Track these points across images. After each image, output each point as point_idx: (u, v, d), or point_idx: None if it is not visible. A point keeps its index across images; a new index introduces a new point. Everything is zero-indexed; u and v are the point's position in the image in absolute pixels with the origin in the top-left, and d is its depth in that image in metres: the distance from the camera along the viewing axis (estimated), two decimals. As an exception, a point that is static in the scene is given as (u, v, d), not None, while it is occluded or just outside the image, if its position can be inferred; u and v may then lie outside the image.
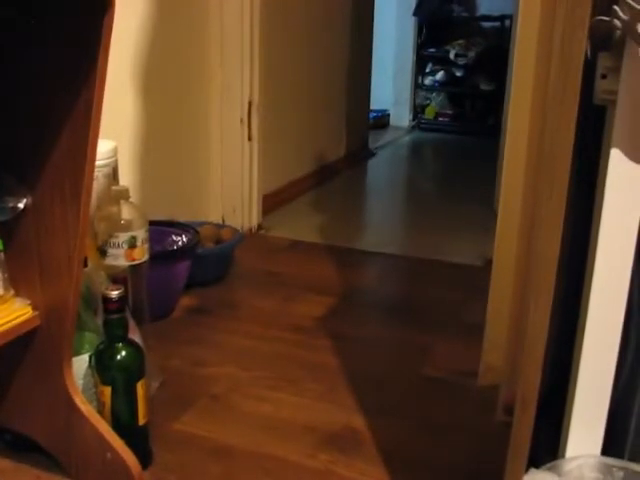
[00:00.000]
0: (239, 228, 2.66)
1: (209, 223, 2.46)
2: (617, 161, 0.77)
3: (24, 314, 1.24)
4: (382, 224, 3.19)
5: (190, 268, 2.08)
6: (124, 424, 1.33)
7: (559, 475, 0.86)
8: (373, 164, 4.33)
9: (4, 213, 1.17)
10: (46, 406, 1.32)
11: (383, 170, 4.21)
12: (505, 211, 1.62)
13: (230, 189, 2.83)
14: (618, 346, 0.86)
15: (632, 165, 0.76)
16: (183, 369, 1.75)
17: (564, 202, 0.85)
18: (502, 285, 1.65)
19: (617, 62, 0.74)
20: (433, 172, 4.64)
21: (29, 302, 1.26)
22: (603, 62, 0.76)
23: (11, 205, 1.18)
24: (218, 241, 2.36)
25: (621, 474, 0.86)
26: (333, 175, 3.82)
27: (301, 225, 3.00)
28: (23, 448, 1.39)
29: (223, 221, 2.80)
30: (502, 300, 1.64)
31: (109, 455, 1.29)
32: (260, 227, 2.91)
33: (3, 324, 1.20)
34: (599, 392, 0.88)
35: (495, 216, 1.67)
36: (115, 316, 1.31)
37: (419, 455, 1.45)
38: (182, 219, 2.27)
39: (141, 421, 1.35)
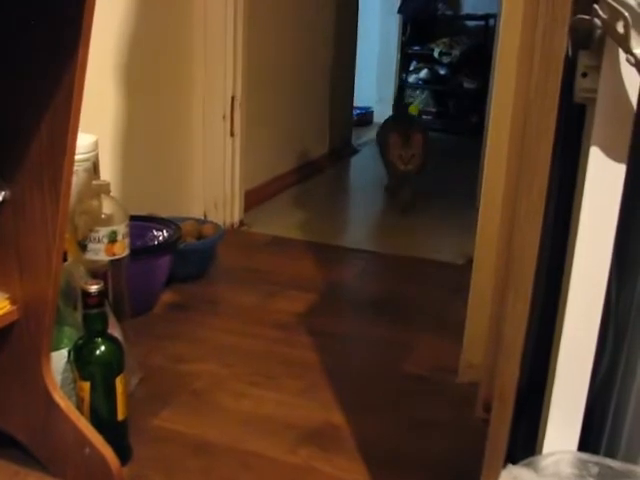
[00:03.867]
0: (221, 224, 2.65)
1: (190, 219, 2.45)
2: (596, 159, 0.77)
3: (2, 308, 1.23)
4: (364, 221, 3.19)
5: (171, 263, 2.07)
6: (103, 419, 1.33)
7: (536, 471, 0.87)
8: (356, 161, 4.33)
9: (-18, 206, 1.16)
10: (24, 401, 1.31)
11: (366, 167, 4.21)
12: (486, 210, 1.63)
13: (212, 185, 2.82)
14: (595, 343, 0.87)
15: (611, 163, 0.77)
16: (163, 365, 1.75)
17: (544, 198, 0.86)
18: (482, 283, 1.66)
19: (597, 61, 0.74)
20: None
21: (7, 296, 1.25)
22: (583, 60, 0.77)
23: (-10, 198, 1.17)
24: (200, 237, 2.35)
25: (597, 469, 0.87)
26: (316, 172, 3.81)
27: (283, 222, 3.00)
28: (1, 444, 1.38)
29: (205, 217, 2.79)
30: (482, 298, 1.65)
31: (88, 450, 1.28)
32: (242, 223, 2.90)
33: (-19, 318, 1.19)
34: (576, 389, 0.88)
35: (476, 215, 1.68)
36: (94, 311, 1.30)
37: (399, 452, 1.45)
38: (163, 214, 2.26)
39: (120, 417, 1.35)
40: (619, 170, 0.77)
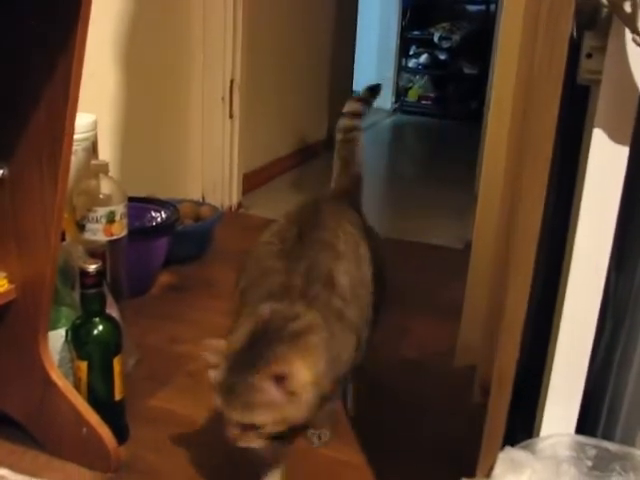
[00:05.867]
0: (219, 206, 2.65)
1: (189, 200, 2.45)
2: (599, 141, 0.77)
3: (0, 287, 1.23)
4: (363, 206, 3.18)
5: (169, 245, 2.07)
6: (100, 399, 1.33)
7: (533, 453, 0.87)
8: (354, 146, 4.31)
9: (-20, 183, 1.16)
10: (21, 381, 1.31)
11: (364, 152, 4.20)
12: (485, 195, 1.63)
13: (210, 167, 2.81)
14: (595, 327, 0.87)
15: (614, 145, 0.76)
16: (160, 346, 1.75)
17: (546, 182, 0.85)
18: (480, 268, 1.65)
19: (602, 41, 0.73)
20: (415, 155, 4.64)
21: (5, 275, 1.24)
22: (588, 41, 0.76)
23: (-13, 176, 1.17)
24: (197, 218, 2.35)
25: (594, 452, 0.87)
26: (314, 156, 3.80)
27: (281, 204, 2.96)
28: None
29: (203, 199, 2.79)
30: (480, 282, 1.65)
31: (85, 430, 1.29)
32: (240, 206, 2.90)
33: (-22, 296, 1.19)
34: (575, 372, 0.88)
35: (475, 200, 1.68)
36: (92, 290, 1.30)
37: (396, 435, 1.45)
38: (161, 196, 2.25)
39: (117, 396, 1.35)
40: (622, 153, 0.77)
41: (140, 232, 1.94)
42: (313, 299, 1.11)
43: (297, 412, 1.02)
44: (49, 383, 1.28)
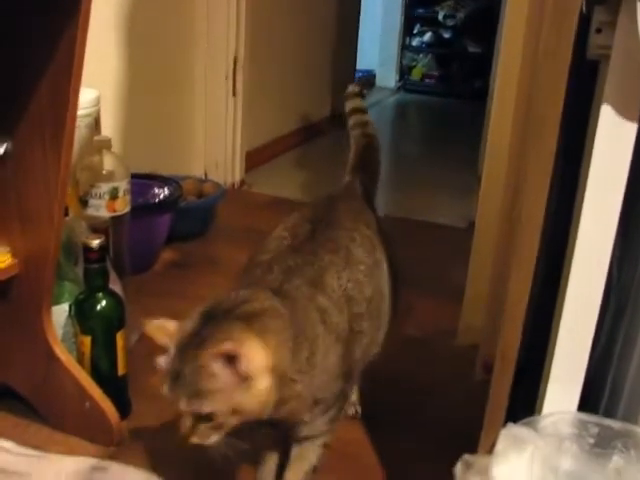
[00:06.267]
0: (222, 183, 2.64)
1: (191, 177, 2.44)
2: (607, 118, 0.76)
3: (3, 261, 1.23)
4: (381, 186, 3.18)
5: (171, 221, 2.07)
6: (103, 374, 1.33)
7: (535, 430, 0.87)
8: (358, 124, 4.30)
9: (-17, 158, 1.16)
10: (25, 355, 1.32)
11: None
12: (489, 174, 1.62)
13: (213, 144, 2.80)
14: (599, 306, 0.87)
15: (622, 121, 0.75)
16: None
17: (552, 160, 0.85)
18: (484, 247, 1.65)
19: (613, 16, 0.73)
20: (418, 134, 4.62)
21: (8, 249, 1.25)
22: (598, 16, 0.75)
23: (-10, 150, 1.16)
24: (200, 195, 2.34)
25: (596, 430, 0.87)
26: (317, 134, 3.79)
27: (284, 182, 2.99)
28: (1, 396, 1.38)
29: (205, 176, 2.78)
30: (483, 261, 1.65)
31: (88, 404, 1.29)
32: (243, 183, 2.89)
33: (-19, 271, 1.19)
34: (578, 350, 0.88)
35: (479, 179, 1.67)
36: (95, 266, 1.30)
37: (399, 413, 1.46)
38: (164, 173, 2.25)
39: (120, 371, 1.36)
40: (630, 130, 0.76)
41: (143, 208, 1.93)
42: (286, 292, 1.02)
43: (252, 401, 0.91)
44: (52, 357, 1.29)
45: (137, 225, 1.78)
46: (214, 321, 0.94)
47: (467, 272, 1.71)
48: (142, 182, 2.05)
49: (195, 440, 0.92)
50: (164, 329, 0.99)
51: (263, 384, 0.91)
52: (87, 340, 1.32)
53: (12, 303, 1.29)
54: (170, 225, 2.07)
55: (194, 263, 2.13)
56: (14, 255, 1.25)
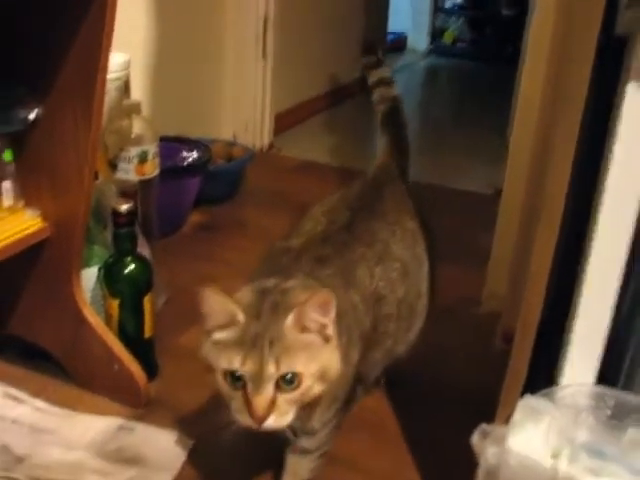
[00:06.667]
0: (250, 147, 2.65)
1: (220, 140, 2.45)
2: (634, 93, 0.76)
3: (34, 225, 1.26)
4: None
5: (200, 185, 2.08)
6: (131, 336, 1.36)
7: (553, 401, 0.88)
8: (388, 87, 4.26)
9: (15, 123, 1.17)
10: (55, 317, 1.35)
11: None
12: (517, 141, 1.61)
13: (242, 107, 2.80)
14: (620, 276, 0.87)
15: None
16: (190, 285, 1.76)
17: (577, 129, 0.85)
18: (510, 214, 1.64)
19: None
20: (448, 98, 4.57)
21: (39, 213, 1.27)
22: (628, -9, 0.75)
23: (22, 116, 1.18)
24: (229, 159, 2.35)
25: (613, 402, 0.88)
26: (347, 97, 3.76)
27: (313, 146, 2.99)
28: (32, 356, 1.42)
29: (234, 139, 2.79)
30: (509, 229, 1.63)
31: (116, 366, 1.33)
32: (271, 146, 2.90)
33: (13, 235, 1.21)
34: (598, 322, 0.88)
35: (507, 146, 1.65)
36: (124, 230, 1.32)
37: (419, 380, 1.47)
38: (193, 136, 2.26)
39: (147, 334, 1.38)
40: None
41: (172, 171, 1.95)
42: (318, 278, 0.99)
43: (335, 365, 0.89)
44: (82, 320, 1.32)
45: (166, 188, 1.79)
46: (279, 291, 0.91)
47: (492, 239, 1.70)
48: (171, 145, 2.07)
49: (270, 422, 0.86)
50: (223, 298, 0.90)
51: (337, 351, 0.90)
52: (115, 303, 1.35)
53: (43, 266, 1.32)
54: (199, 188, 2.08)
55: (222, 226, 2.15)
56: (45, 219, 1.27)
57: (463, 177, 2.71)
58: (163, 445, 1.26)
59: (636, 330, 0.92)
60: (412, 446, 1.32)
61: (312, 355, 0.87)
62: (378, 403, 1.41)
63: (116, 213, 1.30)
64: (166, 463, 1.23)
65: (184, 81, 2.51)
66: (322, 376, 0.88)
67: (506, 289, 1.58)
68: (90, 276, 1.39)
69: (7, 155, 1.20)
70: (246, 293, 0.92)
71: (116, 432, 1.28)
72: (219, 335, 0.89)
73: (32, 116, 1.19)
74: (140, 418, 1.32)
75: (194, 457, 1.25)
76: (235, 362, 0.85)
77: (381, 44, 4.41)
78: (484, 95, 4.25)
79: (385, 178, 1.33)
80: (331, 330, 0.89)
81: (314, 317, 0.87)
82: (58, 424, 1.29)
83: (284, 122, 3.07)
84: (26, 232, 1.23)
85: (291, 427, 0.99)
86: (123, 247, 1.33)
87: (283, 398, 0.86)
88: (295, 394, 0.86)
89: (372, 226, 1.14)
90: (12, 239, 1.20)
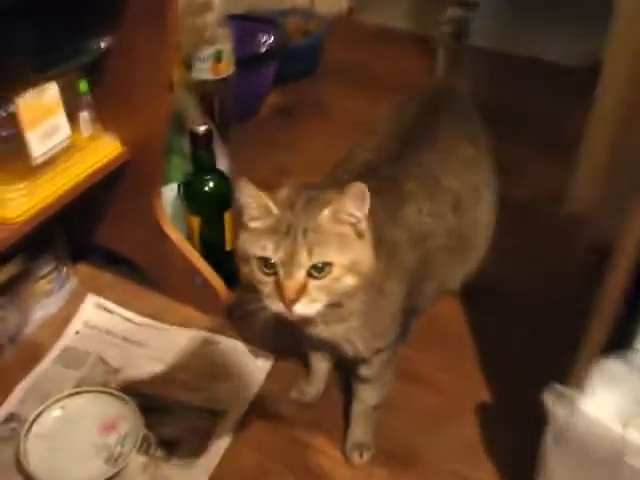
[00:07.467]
0: (328, 12, 2.51)
1: (295, 13, 2.34)
2: None
3: (114, 151, 1.26)
4: (481, 13, 2.89)
5: (277, 68, 2.02)
6: (212, 251, 1.40)
7: (629, 365, 0.87)
8: None
9: (87, 54, 1.16)
10: (139, 234, 1.39)
11: None
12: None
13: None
14: None
15: None
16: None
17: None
18: (609, 95, 1.46)
19: None
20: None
21: (118, 138, 1.27)
22: None
23: (94, 46, 1.16)
24: (306, 34, 2.27)
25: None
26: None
27: (393, 9, 2.81)
28: (118, 263, 1.48)
29: (312, 3, 2.64)
30: (606, 115, 1.47)
31: (198, 280, 1.37)
32: (351, 11, 2.76)
33: (95, 163, 1.23)
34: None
35: (612, 5, 1.42)
36: (203, 150, 1.32)
37: (494, 292, 1.44)
38: (265, 7, 2.17)
39: (228, 247, 1.41)
40: None
41: (249, 59, 1.89)
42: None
43: (367, 259, 0.90)
44: (163, 236, 1.36)
45: (243, 75, 1.76)
46: (316, 191, 0.92)
47: (584, 126, 1.55)
48: (245, 26, 1.99)
49: (300, 307, 0.88)
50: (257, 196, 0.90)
51: (370, 247, 0.91)
52: (196, 220, 1.37)
53: (125, 184, 1.34)
54: (275, 72, 2.03)
55: (300, 109, 2.10)
56: (124, 143, 1.27)
57: (554, 45, 2.37)
58: (247, 359, 1.32)
59: None
60: (484, 362, 1.32)
61: (345, 247, 0.89)
62: (451, 310, 1.41)
63: (194, 135, 1.30)
64: (251, 377, 1.29)
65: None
66: (353, 268, 0.89)
67: (595, 193, 1.47)
68: (170, 191, 1.40)
69: (82, 86, 1.19)
70: (283, 190, 0.93)
71: (202, 346, 1.34)
72: (254, 224, 0.91)
73: (103, 45, 1.17)
74: (223, 328, 1.37)
75: (274, 370, 1.31)
76: (268, 249, 0.88)
77: None
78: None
79: (443, 97, 1.27)
80: (364, 225, 0.90)
81: (350, 209, 0.88)
82: (149, 336, 1.36)
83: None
84: (107, 159, 1.24)
85: (345, 353, 1.05)
86: (202, 166, 1.34)
87: (314, 285, 0.88)
88: (325, 281, 0.88)
89: (424, 159, 1.11)
90: (94, 168, 1.22)
